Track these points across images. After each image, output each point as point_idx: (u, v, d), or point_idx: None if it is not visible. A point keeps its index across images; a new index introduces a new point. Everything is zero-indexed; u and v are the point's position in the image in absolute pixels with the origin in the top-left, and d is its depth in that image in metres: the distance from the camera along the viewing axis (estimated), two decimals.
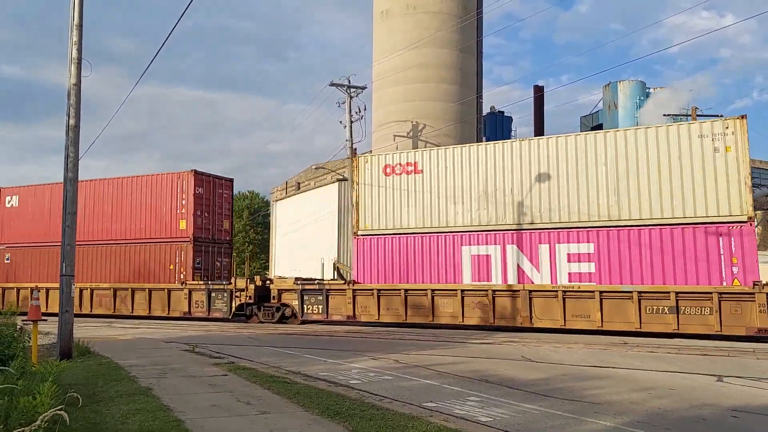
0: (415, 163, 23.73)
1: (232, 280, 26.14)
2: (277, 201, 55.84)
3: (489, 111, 52.52)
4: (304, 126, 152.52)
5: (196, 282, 27.27)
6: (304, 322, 24.29)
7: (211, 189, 29.19)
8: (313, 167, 50.56)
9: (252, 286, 25.35)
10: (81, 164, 14.19)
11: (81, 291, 28.45)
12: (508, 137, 54.23)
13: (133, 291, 28.20)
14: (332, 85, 40.34)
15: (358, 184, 24.70)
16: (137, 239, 28.90)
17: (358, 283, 23.78)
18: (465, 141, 42.05)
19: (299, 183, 55.99)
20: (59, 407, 5.25)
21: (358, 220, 24.40)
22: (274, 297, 25.08)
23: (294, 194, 53.17)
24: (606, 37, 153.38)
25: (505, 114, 54.53)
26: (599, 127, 58.42)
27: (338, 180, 46.55)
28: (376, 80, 43.41)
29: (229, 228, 30.41)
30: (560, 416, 8.04)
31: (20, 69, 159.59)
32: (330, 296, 23.99)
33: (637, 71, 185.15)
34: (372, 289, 23.21)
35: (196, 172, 28.31)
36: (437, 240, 22.99)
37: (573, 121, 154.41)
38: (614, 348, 16.01)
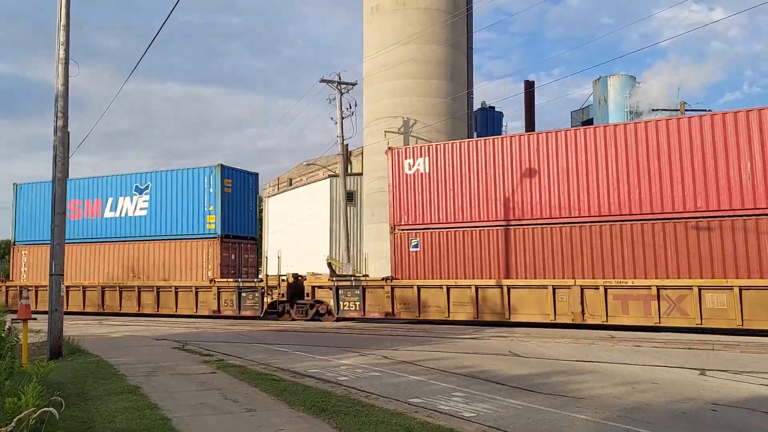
0: None
1: None
2: (268, 197, 55.88)
3: (480, 106, 52.67)
4: (295, 122, 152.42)
5: None
6: None
7: None
8: (304, 163, 50.62)
9: None
10: (71, 161, 14.28)
11: (605, 290, 19.61)
12: (499, 133, 54.41)
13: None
14: (323, 81, 40.46)
15: None
16: (709, 212, 19.19)
17: None
18: (456, 137, 42.15)
19: (291, 179, 56.07)
20: (44, 407, 5.33)
21: None
22: None
23: (286, 190, 53.21)
24: (597, 31, 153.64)
25: (496, 109, 54.68)
26: (590, 122, 58.71)
27: (330, 176, 46.63)
28: (366, 76, 43.40)
29: None
30: (543, 411, 8.18)
31: (9, 66, 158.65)
32: None
33: (628, 65, 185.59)
34: None
35: None
36: None
37: (564, 116, 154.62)
38: (600, 342, 16.17)
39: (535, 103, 57.97)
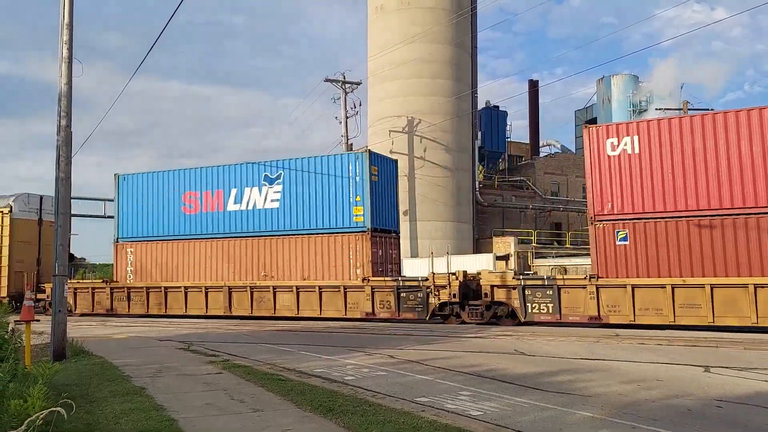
0: None
1: None
2: None
3: (484, 105, 52.62)
4: (300, 121, 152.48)
5: None
6: None
7: None
8: None
9: None
10: (74, 160, 14.23)
11: None
12: (503, 132, 54.40)
13: None
14: (327, 81, 40.49)
15: None
16: None
17: None
18: (460, 136, 42.22)
19: None
20: (52, 408, 5.31)
21: None
22: None
23: None
24: (599, 31, 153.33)
25: (500, 108, 54.62)
26: (593, 121, 58.80)
27: None
28: (371, 76, 43.44)
29: None
30: (549, 409, 8.16)
31: (10, 64, 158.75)
32: None
33: (631, 64, 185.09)
34: None
35: None
36: None
37: (568, 115, 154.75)
38: (605, 340, 16.13)
39: (539, 102, 57.97)
